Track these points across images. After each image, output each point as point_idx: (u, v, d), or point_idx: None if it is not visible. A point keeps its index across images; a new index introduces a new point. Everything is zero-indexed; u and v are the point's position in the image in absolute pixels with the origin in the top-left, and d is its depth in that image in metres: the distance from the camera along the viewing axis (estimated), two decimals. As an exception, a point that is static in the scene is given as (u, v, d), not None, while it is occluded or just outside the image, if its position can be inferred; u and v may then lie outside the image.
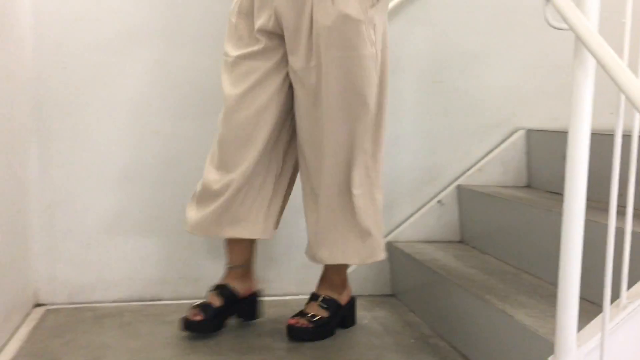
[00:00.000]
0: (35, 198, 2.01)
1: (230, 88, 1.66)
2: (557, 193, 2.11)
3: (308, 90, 1.62)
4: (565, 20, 1.08)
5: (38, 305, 2.02)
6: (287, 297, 2.16)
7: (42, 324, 1.85)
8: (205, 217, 1.69)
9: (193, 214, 1.72)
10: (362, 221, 1.70)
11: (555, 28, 1.14)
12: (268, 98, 1.65)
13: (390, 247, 2.25)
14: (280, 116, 1.68)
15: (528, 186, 2.37)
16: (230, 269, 1.83)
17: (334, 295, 1.83)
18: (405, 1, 2.26)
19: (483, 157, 2.38)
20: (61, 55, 2.01)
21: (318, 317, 1.78)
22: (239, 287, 1.82)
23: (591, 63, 1.10)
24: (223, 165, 1.68)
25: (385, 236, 2.28)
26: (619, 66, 1.03)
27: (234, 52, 1.67)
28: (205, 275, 2.07)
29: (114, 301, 2.07)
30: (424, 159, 2.34)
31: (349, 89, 1.59)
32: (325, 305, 1.80)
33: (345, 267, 1.86)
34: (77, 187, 2.05)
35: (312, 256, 1.76)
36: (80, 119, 2.03)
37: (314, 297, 1.84)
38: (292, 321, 1.76)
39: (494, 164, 2.38)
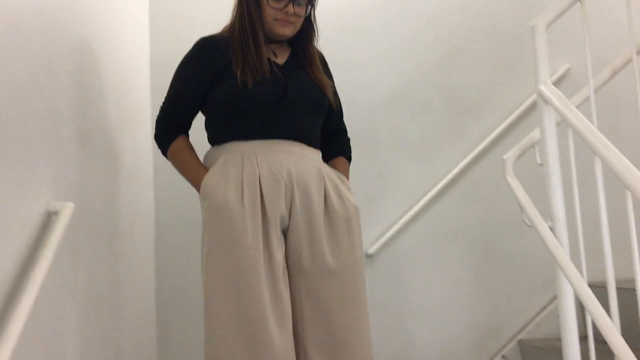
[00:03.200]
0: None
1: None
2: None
3: (316, 272, 1.63)
4: (532, 224, 1.45)
5: None
6: None
7: None
8: None
9: None
10: None
11: (529, 226, 1.51)
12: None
13: (461, 402, 2.47)
14: None
15: (586, 337, 2.54)
16: None
17: None
18: (451, 181, 2.68)
19: (540, 312, 2.61)
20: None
21: None
22: None
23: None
24: None
25: (455, 392, 2.52)
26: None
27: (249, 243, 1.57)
28: None
29: None
30: (485, 317, 2.61)
31: (358, 266, 1.70)
32: None
33: None
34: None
35: None
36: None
37: None
38: None
39: (551, 318, 2.60)
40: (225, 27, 1.77)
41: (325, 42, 2.67)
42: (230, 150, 1.65)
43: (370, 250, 2.61)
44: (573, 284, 1.33)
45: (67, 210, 1.47)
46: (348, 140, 1.91)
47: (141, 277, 2.30)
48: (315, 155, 1.73)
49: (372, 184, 2.68)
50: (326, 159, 1.82)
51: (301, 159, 1.66)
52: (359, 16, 2.74)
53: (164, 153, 1.76)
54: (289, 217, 1.63)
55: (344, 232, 1.66)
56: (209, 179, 1.62)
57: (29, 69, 1.38)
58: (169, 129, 1.74)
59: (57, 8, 1.58)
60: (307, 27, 1.76)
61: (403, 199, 2.69)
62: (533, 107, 2.68)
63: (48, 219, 1.46)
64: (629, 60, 1.93)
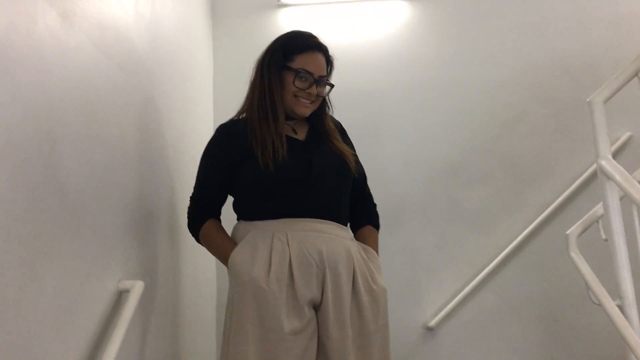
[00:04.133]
0: None
1: None
2: None
3: (341, 356, 1.59)
4: (599, 302, 1.41)
5: None
6: None
7: None
8: None
9: None
10: None
11: (595, 304, 1.46)
12: None
13: None
14: None
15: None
16: None
17: None
18: (512, 251, 2.62)
19: (613, 393, 2.47)
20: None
21: None
22: None
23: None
24: None
25: None
26: None
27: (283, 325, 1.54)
28: None
29: None
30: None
31: (383, 351, 1.67)
32: None
33: None
34: None
35: None
36: None
37: None
38: None
39: (626, 397, 2.46)
40: (241, 108, 1.77)
41: (382, 113, 2.76)
42: (260, 226, 1.64)
43: (431, 323, 2.57)
44: (646, 368, 1.28)
45: (137, 288, 1.53)
46: (374, 206, 1.88)
47: (203, 353, 2.34)
48: (345, 233, 1.71)
49: (431, 254, 2.67)
50: (354, 227, 1.81)
51: (332, 239, 1.64)
52: (414, 88, 2.80)
53: (197, 240, 1.76)
54: (321, 297, 1.60)
55: (370, 316, 1.63)
56: (236, 254, 1.61)
57: (106, 156, 1.48)
58: (198, 217, 1.75)
59: (133, 104, 1.71)
60: (322, 103, 1.79)
61: (463, 270, 2.66)
62: (594, 175, 2.64)
63: (119, 297, 1.52)
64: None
